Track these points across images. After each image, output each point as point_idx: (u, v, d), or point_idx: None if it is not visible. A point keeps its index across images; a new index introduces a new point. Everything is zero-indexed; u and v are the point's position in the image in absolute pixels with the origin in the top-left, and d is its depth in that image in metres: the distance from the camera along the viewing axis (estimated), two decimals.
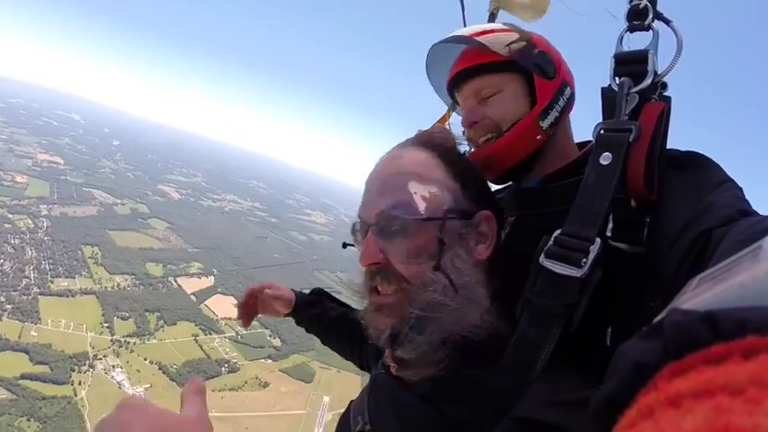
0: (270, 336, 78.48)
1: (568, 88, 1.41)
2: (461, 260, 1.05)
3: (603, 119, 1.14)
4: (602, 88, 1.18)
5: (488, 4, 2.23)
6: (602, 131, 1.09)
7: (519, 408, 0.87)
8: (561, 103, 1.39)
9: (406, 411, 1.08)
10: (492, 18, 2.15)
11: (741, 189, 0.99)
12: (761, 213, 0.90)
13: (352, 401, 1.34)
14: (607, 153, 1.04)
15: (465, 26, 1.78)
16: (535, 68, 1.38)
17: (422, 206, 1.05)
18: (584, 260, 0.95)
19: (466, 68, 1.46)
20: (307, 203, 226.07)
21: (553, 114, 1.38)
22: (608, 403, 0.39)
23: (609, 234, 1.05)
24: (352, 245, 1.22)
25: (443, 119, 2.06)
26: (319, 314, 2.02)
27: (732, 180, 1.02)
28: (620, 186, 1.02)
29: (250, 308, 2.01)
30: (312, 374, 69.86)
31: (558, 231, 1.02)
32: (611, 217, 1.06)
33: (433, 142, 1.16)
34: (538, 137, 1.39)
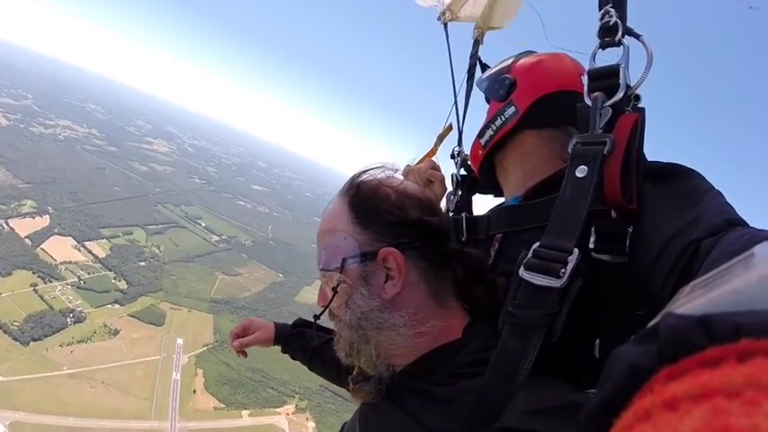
0: (115, 278, 76.23)
1: (512, 107, 1.49)
2: (363, 298, 1.12)
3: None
4: (578, 105, 1.18)
5: (472, 32, 2.20)
6: (575, 145, 1.09)
7: (503, 418, 0.87)
8: (499, 121, 1.52)
9: (394, 430, 1.12)
10: (476, 44, 2.13)
11: (724, 196, 1.00)
12: (747, 221, 0.92)
13: (345, 423, 1.41)
14: (583, 166, 1.04)
15: (450, 56, 2.15)
16: (492, 94, 1.61)
17: (326, 260, 1.19)
18: (563, 270, 0.95)
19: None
20: (149, 131, 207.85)
21: (489, 132, 1.55)
22: (603, 407, 0.39)
23: (592, 246, 1.04)
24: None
25: (431, 153, 2.14)
26: (302, 346, 2.07)
27: (714, 188, 1.02)
28: (599, 198, 1.02)
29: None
30: (162, 317, 70.08)
31: (536, 244, 1.03)
32: (593, 230, 1.05)
33: (350, 188, 1.23)
34: (479, 152, 1.62)
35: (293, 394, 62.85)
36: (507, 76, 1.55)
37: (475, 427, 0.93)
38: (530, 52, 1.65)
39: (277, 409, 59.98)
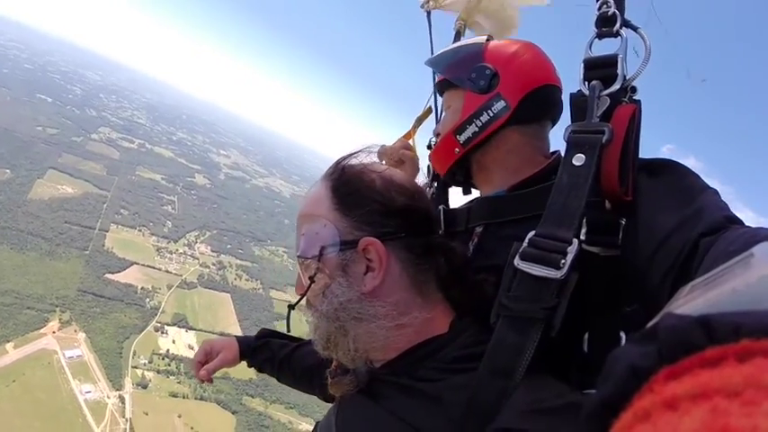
0: None
1: (502, 101, 1.36)
2: (341, 288, 1.04)
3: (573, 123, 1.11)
4: (571, 94, 1.15)
5: (454, 23, 2.13)
6: (573, 133, 1.06)
7: (501, 417, 0.82)
8: (485, 117, 1.37)
9: (375, 427, 1.03)
10: (458, 36, 2.08)
11: (720, 195, 0.98)
12: (743, 220, 0.89)
13: (318, 423, 1.28)
14: (580, 154, 1.00)
15: (432, 44, 2.02)
16: (467, 83, 1.41)
17: (304, 247, 1.09)
18: (563, 261, 0.90)
19: (435, 87, 1.66)
20: None
21: (471, 129, 1.39)
22: (603, 407, 0.39)
23: (582, 238, 1.00)
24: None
25: (408, 135, 2.01)
26: (269, 358, 1.91)
27: (711, 187, 1.00)
28: (594, 188, 0.98)
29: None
30: None
31: (532, 233, 0.98)
32: (584, 221, 1.01)
33: (334, 172, 1.15)
34: (455, 149, 1.44)
35: (53, 308, 58.95)
36: (486, 65, 1.41)
37: (468, 426, 0.87)
38: (489, 37, 1.55)
39: (41, 330, 55.85)
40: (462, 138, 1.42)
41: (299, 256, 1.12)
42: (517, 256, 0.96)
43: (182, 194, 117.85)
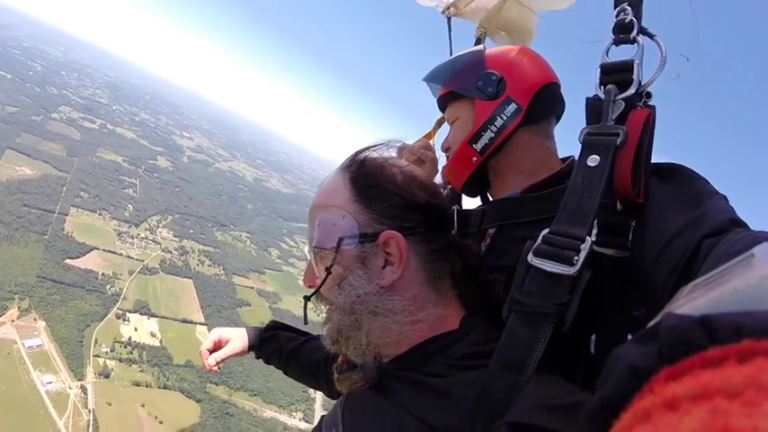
0: None
1: (513, 104, 1.37)
2: (359, 280, 1.01)
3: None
4: (588, 98, 1.15)
5: (475, 30, 2.16)
6: (588, 135, 1.06)
7: (512, 412, 0.80)
8: (499, 121, 1.38)
9: (384, 422, 1.01)
10: (478, 42, 2.11)
11: (728, 200, 0.98)
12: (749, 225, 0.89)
13: (323, 417, 1.27)
14: (594, 155, 1.01)
15: (451, 50, 2.04)
16: (475, 92, 1.41)
17: (321, 238, 1.07)
18: (576, 258, 0.90)
19: (437, 102, 1.62)
20: None
21: (487, 135, 1.39)
22: (603, 407, 0.39)
23: (593, 239, 0.96)
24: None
25: (428, 135, 2.00)
26: (277, 350, 1.91)
27: (720, 192, 1.00)
28: (606, 190, 0.98)
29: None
30: None
31: (546, 231, 0.98)
32: (595, 222, 0.99)
33: (352, 163, 1.13)
34: (473, 159, 1.43)
35: (11, 296, 56.95)
36: (491, 71, 1.43)
37: (478, 420, 0.85)
38: (483, 47, 1.58)
39: (0, 319, 53.82)
40: (479, 146, 1.43)
41: (315, 247, 1.10)
42: (530, 253, 0.96)
43: (144, 177, 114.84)
